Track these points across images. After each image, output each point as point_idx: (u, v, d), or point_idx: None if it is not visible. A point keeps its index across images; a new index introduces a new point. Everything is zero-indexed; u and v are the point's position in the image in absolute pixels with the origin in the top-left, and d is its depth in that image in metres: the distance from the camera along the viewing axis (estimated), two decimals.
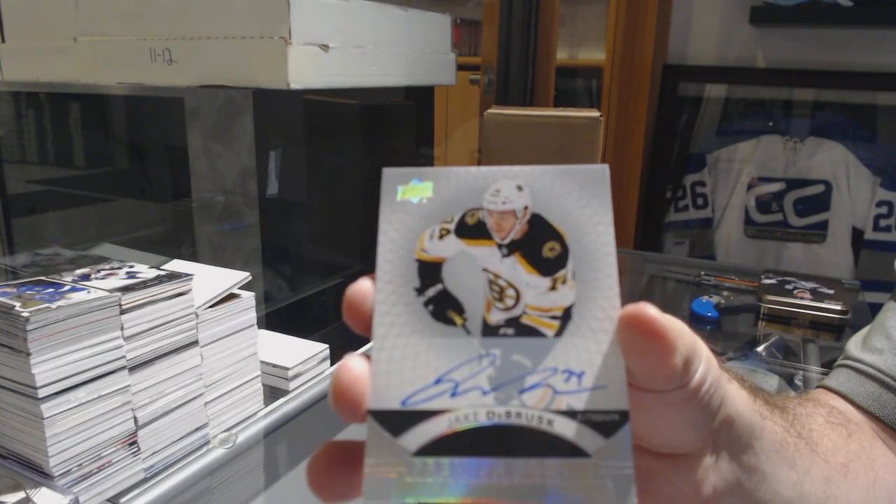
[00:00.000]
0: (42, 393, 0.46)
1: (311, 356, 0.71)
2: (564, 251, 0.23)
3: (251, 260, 0.84)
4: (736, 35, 1.69)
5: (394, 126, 1.06)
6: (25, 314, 0.44)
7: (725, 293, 1.11)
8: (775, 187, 1.68)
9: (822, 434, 0.34)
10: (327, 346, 0.73)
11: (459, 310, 0.23)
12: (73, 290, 0.49)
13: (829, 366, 0.85)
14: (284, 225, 0.94)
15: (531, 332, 0.22)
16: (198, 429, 0.58)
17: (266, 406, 0.66)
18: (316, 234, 0.99)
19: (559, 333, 0.22)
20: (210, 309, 0.58)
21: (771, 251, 1.71)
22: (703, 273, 1.17)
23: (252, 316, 0.63)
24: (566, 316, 0.22)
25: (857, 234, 1.62)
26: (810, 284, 1.05)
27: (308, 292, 0.94)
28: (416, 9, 0.87)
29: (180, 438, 0.57)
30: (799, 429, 0.32)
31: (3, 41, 0.86)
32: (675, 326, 0.22)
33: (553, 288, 0.23)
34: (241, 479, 0.62)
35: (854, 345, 0.47)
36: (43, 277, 0.52)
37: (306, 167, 0.96)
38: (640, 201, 1.76)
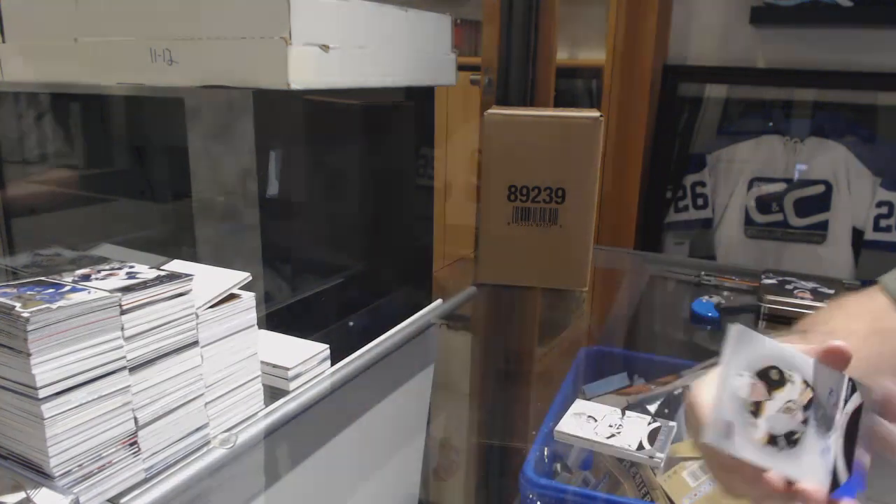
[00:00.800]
0: (42, 393, 0.46)
1: (312, 356, 0.70)
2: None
3: (251, 260, 0.84)
4: (736, 35, 1.69)
5: (394, 126, 1.06)
6: (26, 314, 0.44)
7: (726, 293, 1.11)
8: (775, 187, 1.68)
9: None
10: (327, 346, 0.73)
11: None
12: (74, 290, 0.49)
13: None
14: (284, 225, 0.94)
15: None
16: (198, 429, 0.58)
17: (266, 406, 0.66)
18: (316, 234, 0.99)
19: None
20: (210, 309, 0.58)
21: (771, 251, 1.71)
22: (703, 273, 1.17)
23: (252, 316, 0.63)
24: None
25: (857, 234, 1.62)
26: (811, 284, 1.05)
27: (308, 292, 0.93)
28: (416, 9, 0.87)
29: (180, 439, 0.57)
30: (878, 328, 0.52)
31: (3, 41, 0.86)
32: None
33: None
34: (242, 480, 0.62)
35: None
36: (43, 278, 0.52)
37: (306, 167, 0.96)
38: (640, 201, 1.76)
